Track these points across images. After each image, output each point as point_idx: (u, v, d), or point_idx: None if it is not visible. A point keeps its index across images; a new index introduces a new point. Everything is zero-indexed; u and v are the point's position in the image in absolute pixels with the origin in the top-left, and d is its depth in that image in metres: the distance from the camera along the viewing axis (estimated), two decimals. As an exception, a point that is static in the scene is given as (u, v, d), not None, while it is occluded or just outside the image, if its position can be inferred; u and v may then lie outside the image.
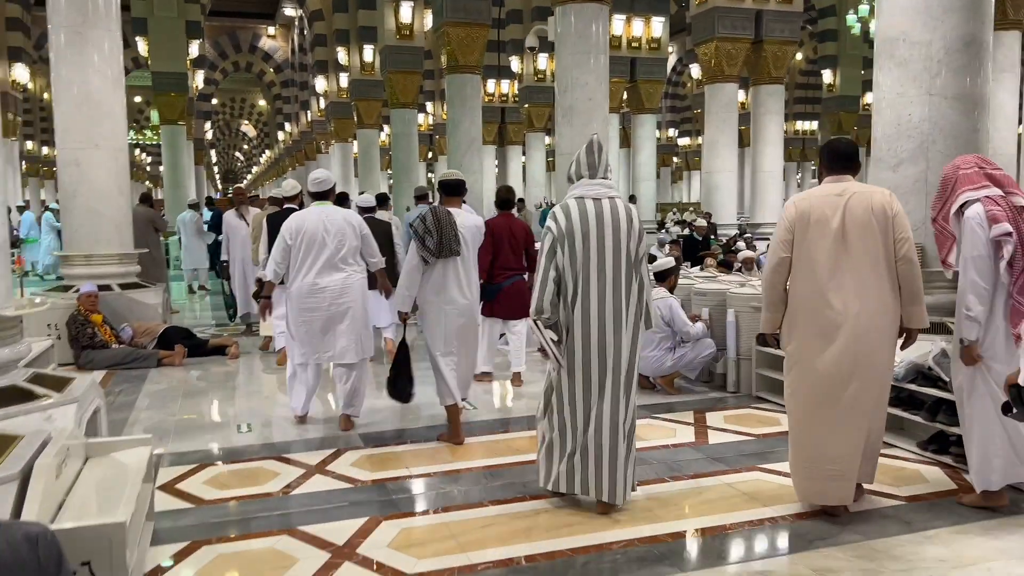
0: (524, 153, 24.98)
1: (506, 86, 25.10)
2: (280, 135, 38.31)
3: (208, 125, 33.22)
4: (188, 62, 20.49)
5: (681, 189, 39.25)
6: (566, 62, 9.90)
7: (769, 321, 3.72)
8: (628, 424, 3.60)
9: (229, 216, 8.97)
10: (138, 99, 35.42)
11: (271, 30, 32.85)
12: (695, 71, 24.22)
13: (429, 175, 33.94)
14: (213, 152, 49.20)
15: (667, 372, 5.91)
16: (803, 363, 3.61)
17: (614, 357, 3.52)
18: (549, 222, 3.58)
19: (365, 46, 20.64)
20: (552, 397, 3.65)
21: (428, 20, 17.82)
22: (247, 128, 48.90)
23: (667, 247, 13.62)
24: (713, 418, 5.32)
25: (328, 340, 5.02)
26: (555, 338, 3.51)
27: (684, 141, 38.25)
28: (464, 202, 5.09)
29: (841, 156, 3.67)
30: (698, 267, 10.07)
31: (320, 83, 25.34)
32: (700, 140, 37.46)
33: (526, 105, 22.77)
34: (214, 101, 41.19)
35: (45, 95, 34.69)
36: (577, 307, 3.50)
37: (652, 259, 11.56)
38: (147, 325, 7.80)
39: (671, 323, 5.86)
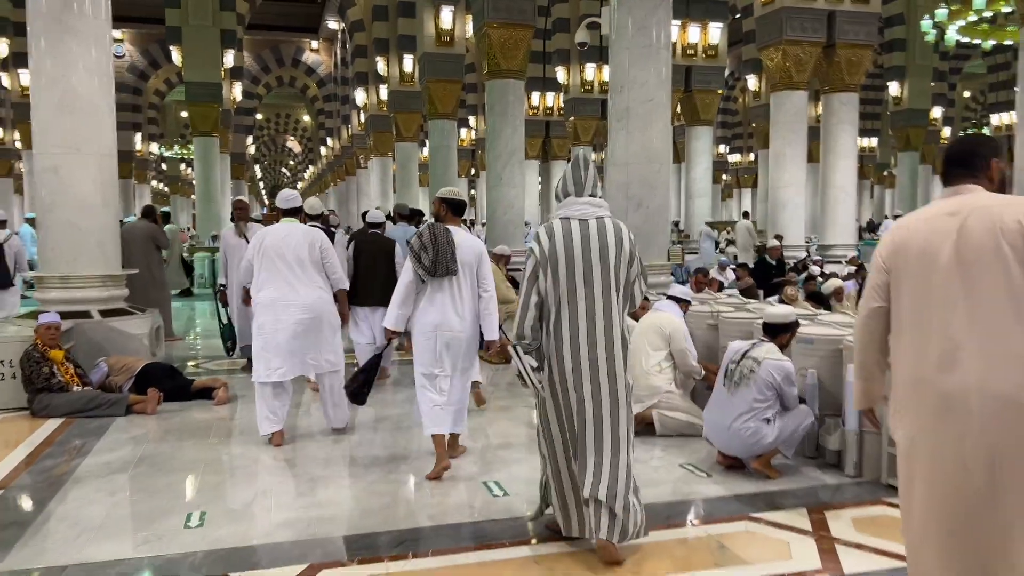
0: (569, 168, 23.50)
1: (551, 98, 23.71)
2: (323, 150, 37.45)
3: (250, 140, 32.35)
4: (223, 72, 19.53)
5: (731, 207, 37.38)
6: (621, 59, 8.43)
7: (865, 394, 2.56)
8: (624, 457, 3.28)
9: (227, 235, 7.61)
10: (184, 114, 34.93)
11: (314, 44, 32.00)
12: (751, 82, 22.57)
13: (471, 191, 32.71)
14: (257, 167, 48.73)
15: (767, 450, 4.37)
16: (913, 458, 2.25)
17: (608, 385, 3.25)
18: (532, 244, 3.35)
19: (404, 55, 19.46)
20: (540, 438, 3.46)
21: (469, 27, 16.58)
22: (292, 144, 48.32)
23: (727, 270, 12.06)
24: (838, 522, 3.75)
25: (286, 355, 5.00)
26: (534, 365, 3.30)
27: (735, 158, 36.46)
28: (468, 223, 3.94)
29: (955, 159, 2.37)
30: (774, 297, 8.46)
31: (360, 96, 24.26)
32: (752, 156, 35.98)
33: (572, 118, 21.33)
34: (259, 116, 40.66)
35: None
36: (562, 333, 3.26)
37: (721, 287, 10.07)
38: (125, 360, 6.50)
39: (781, 392, 4.35)
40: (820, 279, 9.72)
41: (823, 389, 4.70)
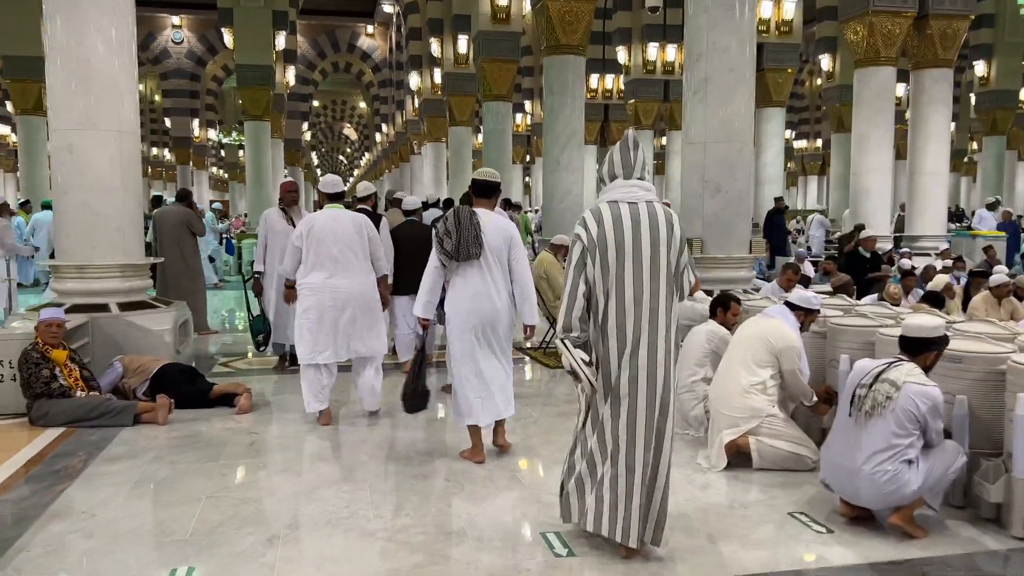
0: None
1: (610, 81, 22.56)
2: (378, 136, 36.87)
3: (305, 126, 31.90)
4: (275, 55, 18.90)
5: (795, 195, 35.62)
6: (699, 21, 7.35)
7: None
8: (665, 459, 3.08)
9: (273, 219, 6.67)
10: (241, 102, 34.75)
11: (369, 28, 31.30)
12: (825, 63, 21.05)
13: (526, 179, 31.72)
14: (314, 155, 48.56)
15: (909, 500, 3.34)
16: None
17: (649, 381, 3.03)
18: (578, 229, 3.08)
19: (459, 36, 18.55)
20: (583, 425, 3.19)
21: (526, 3, 15.59)
22: (349, 131, 47.99)
23: (805, 262, 10.87)
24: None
25: (332, 339, 5.00)
26: (586, 358, 3.05)
27: (800, 143, 34.67)
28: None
29: None
30: (871, 297, 7.32)
31: (414, 79, 23.45)
32: (818, 143, 34.18)
33: (632, 100, 20.19)
34: (315, 103, 40.32)
35: (141, 87, 34.58)
36: (609, 325, 3.04)
37: (806, 281, 8.94)
38: (142, 360, 5.76)
39: (926, 426, 3.32)
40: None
41: (975, 421, 3.65)
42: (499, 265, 4.27)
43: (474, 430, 4.35)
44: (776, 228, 13.62)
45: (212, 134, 32.85)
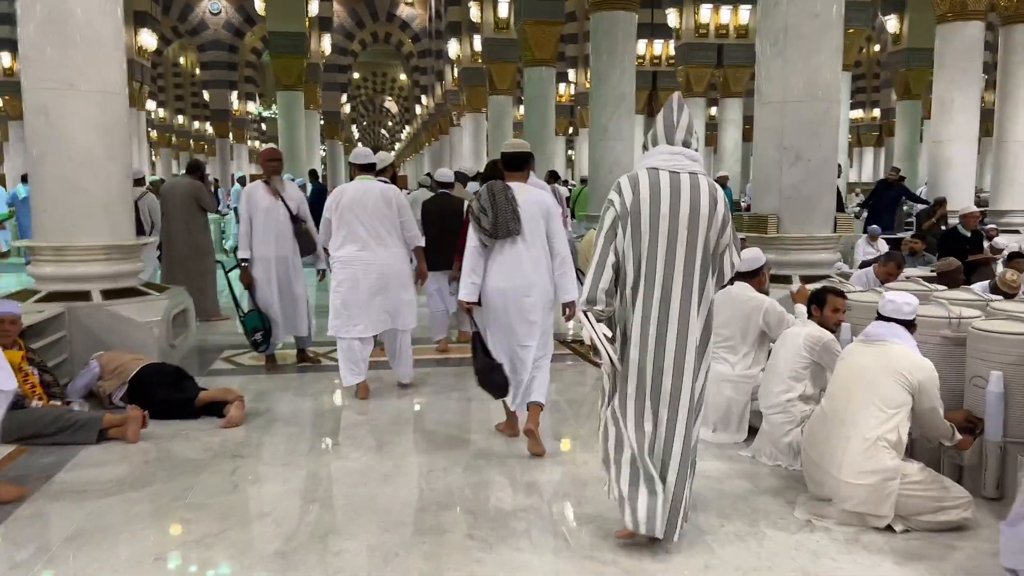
0: (678, 124, 20.93)
1: (659, 47, 21.11)
2: (418, 109, 35.81)
3: (344, 98, 30.97)
4: (307, 21, 17.92)
5: (846, 167, 33.62)
6: (781, -40, 6.13)
7: None
8: (687, 449, 2.85)
9: (255, 193, 5.63)
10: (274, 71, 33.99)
11: (409, -3, 30.14)
12: (891, 24, 19.31)
13: (568, 152, 30.38)
14: (354, 128, 47.73)
15: None
16: None
17: (675, 368, 2.80)
18: (611, 195, 2.83)
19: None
20: (605, 409, 2.95)
21: (572, -39, 14.33)
22: (390, 104, 47.00)
23: (878, 240, 9.59)
24: None
25: (363, 313, 4.93)
26: (608, 334, 2.79)
27: (856, 113, 32.64)
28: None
29: None
30: (981, 284, 6.05)
31: (453, 47, 22.27)
32: (875, 112, 32.18)
33: (683, 66, 18.78)
34: (355, 75, 39.38)
35: (181, 59, 33.90)
36: (637, 301, 2.82)
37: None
38: (121, 359, 4.85)
39: None
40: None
41: None
42: (538, 239, 4.05)
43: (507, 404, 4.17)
44: (886, 205, 11.67)
45: (252, 107, 32.13)
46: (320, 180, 15.36)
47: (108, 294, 5.43)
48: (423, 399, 5.12)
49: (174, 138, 34.46)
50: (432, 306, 6.40)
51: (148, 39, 20.36)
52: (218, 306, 7.83)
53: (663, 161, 2.81)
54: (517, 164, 4.20)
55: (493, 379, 4.01)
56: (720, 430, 4.25)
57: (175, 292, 6.02)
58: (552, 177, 13.59)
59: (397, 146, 50.29)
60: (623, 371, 2.83)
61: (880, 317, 3.36)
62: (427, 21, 29.79)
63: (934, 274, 6.03)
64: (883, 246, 10.05)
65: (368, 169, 5.14)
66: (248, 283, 5.56)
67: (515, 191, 4.03)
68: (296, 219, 5.59)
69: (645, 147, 2.93)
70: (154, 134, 31.97)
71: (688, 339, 2.79)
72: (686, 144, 2.84)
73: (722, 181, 12.42)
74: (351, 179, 5.26)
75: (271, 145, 5.51)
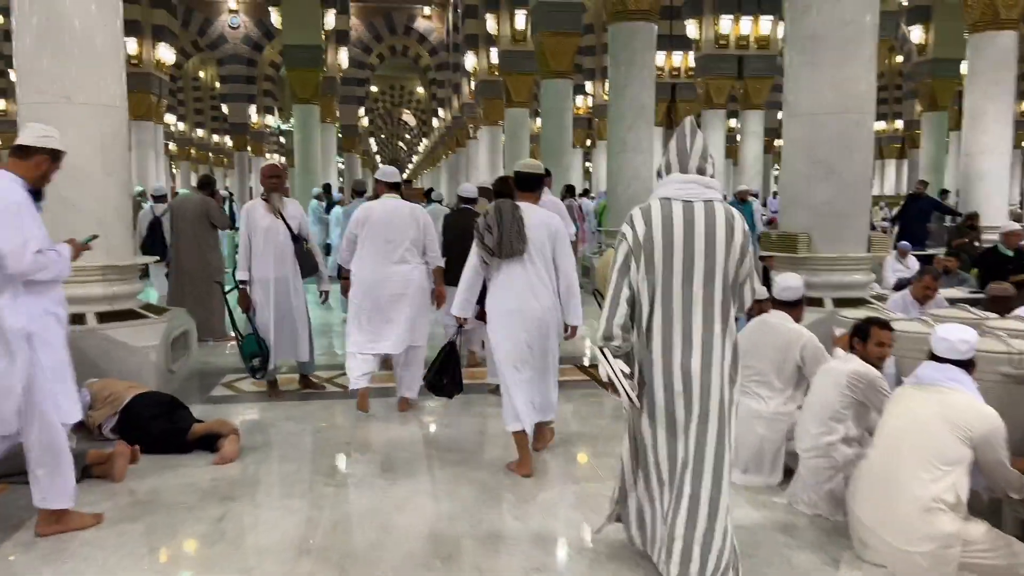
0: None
1: (678, 58, 20.77)
2: (435, 122, 35.66)
3: (362, 111, 30.87)
4: (323, 34, 17.77)
5: (871, 180, 33.05)
6: (810, -36, 5.79)
7: None
8: (714, 492, 2.61)
9: (254, 212, 5.25)
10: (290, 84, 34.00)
11: (426, 10, 30.01)
12: (916, 35, 18.86)
13: (586, 164, 30.05)
14: (372, 141, 47.70)
15: None
16: None
17: (701, 402, 2.63)
18: (624, 228, 2.74)
19: (516, 11, 17.12)
20: (632, 443, 2.84)
21: (590, -29, 14.05)
22: (407, 117, 46.97)
23: (908, 257, 9.15)
24: None
25: (384, 330, 4.94)
26: (626, 370, 2.68)
27: (879, 125, 32.10)
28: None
29: None
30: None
31: (470, 60, 22.05)
32: (897, 124, 31.61)
33: (702, 78, 18.43)
34: (374, 88, 39.35)
35: (201, 73, 33.95)
36: (655, 337, 2.67)
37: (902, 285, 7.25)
38: (114, 387, 4.56)
39: None
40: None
41: None
42: (543, 261, 3.98)
43: (520, 439, 4.00)
44: (914, 218, 11.34)
45: (270, 120, 32.10)
46: (338, 193, 15.12)
47: (104, 317, 5.16)
48: (432, 429, 4.80)
49: (193, 151, 34.52)
50: (448, 322, 6.07)
51: (166, 53, 20.30)
52: (223, 326, 7.53)
53: (676, 190, 2.69)
54: (529, 184, 4.15)
55: (445, 389, 4.38)
56: (752, 472, 3.89)
57: (175, 314, 5.74)
58: (568, 191, 13.29)
59: (415, 159, 50.24)
60: (648, 409, 2.70)
61: (932, 356, 2.99)
62: (444, 34, 29.69)
63: (973, 295, 5.64)
64: (913, 263, 9.62)
65: (395, 188, 5.11)
66: (246, 306, 5.26)
67: (524, 211, 3.97)
68: (297, 238, 5.30)
69: (659, 174, 2.81)
70: (173, 147, 32.10)
71: (712, 375, 2.64)
72: (700, 171, 2.72)
73: (743, 196, 12.02)
74: (376, 196, 5.29)
75: (271, 161, 5.22)
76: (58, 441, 3.15)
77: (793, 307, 4.01)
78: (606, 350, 2.70)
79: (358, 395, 4.99)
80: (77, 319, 5.07)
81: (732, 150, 21.95)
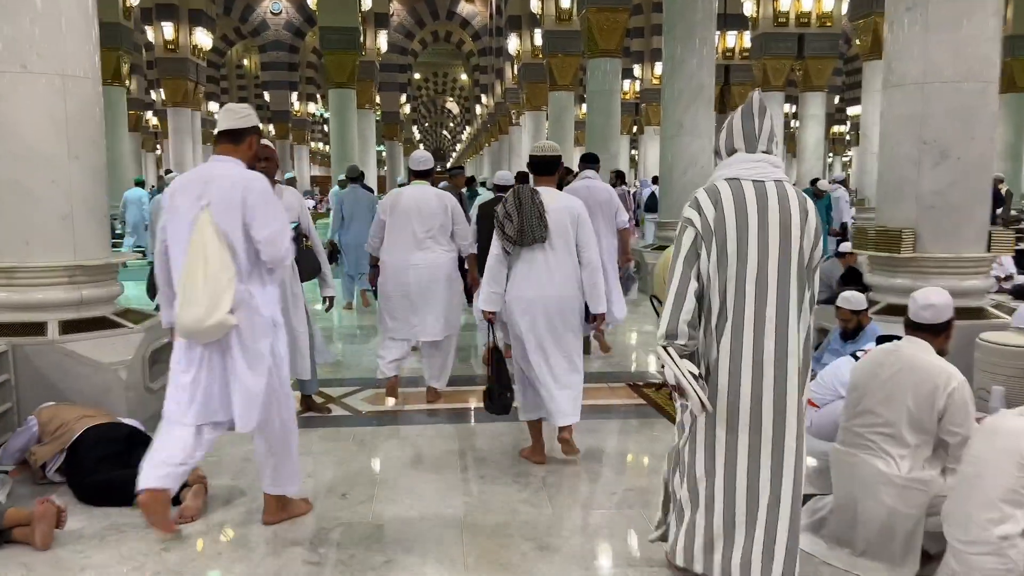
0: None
1: (732, 39, 19.39)
2: (478, 109, 34.68)
3: (404, 98, 30.04)
4: (360, 16, 16.89)
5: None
6: None
7: None
8: (792, 494, 2.39)
9: None
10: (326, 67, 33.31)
11: (470, -6, 29.02)
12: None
13: (632, 152, 28.75)
14: (415, 129, 46.92)
15: None
16: None
17: (775, 402, 2.36)
18: (689, 212, 2.42)
19: (563, -11, 16.01)
20: (685, 448, 2.53)
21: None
22: (451, 105, 46.07)
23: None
24: None
25: (415, 317, 4.81)
26: (695, 372, 2.36)
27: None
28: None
29: None
30: None
31: (513, 43, 21.00)
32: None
33: (759, 59, 17.08)
34: (417, 76, 38.54)
35: (246, 61, 33.48)
36: (725, 332, 2.38)
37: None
38: (66, 416, 3.67)
39: None
40: None
41: None
42: (565, 248, 3.80)
43: (534, 428, 3.91)
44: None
45: (312, 108, 31.49)
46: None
47: (69, 326, 4.29)
48: (452, 469, 3.83)
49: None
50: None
51: (203, 38, 19.71)
52: None
53: (745, 170, 2.42)
54: (546, 168, 3.94)
55: (501, 402, 3.92)
56: (873, 555, 2.83)
57: (158, 322, 4.85)
58: (617, 178, 12.20)
59: (458, 147, 49.38)
60: (713, 413, 2.41)
61: None
62: (488, 18, 28.65)
63: None
64: (1008, 263, 8.39)
65: (426, 175, 4.99)
66: None
67: (543, 196, 3.77)
68: (299, 233, 4.36)
69: (718, 154, 2.54)
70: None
71: (789, 373, 2.36)
72: (767, 151, 2.46)
73: (817, 191, 10.78)
74: (408, 182, 5.10)
75: (264, 141, 4.40)
76: (292, 424, 3.15)
77: (936, 333, 2.92)
78: (671, 349, 2.40)
79: (387, 384, 4.92)
80: (35, 329, 4.24)
81: (789, 135, 20.51)
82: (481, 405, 4.09)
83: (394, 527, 3.19)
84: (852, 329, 4.51)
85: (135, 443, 3.57)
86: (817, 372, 4.66)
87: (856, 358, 3.59)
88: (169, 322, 3.07)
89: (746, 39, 18.62)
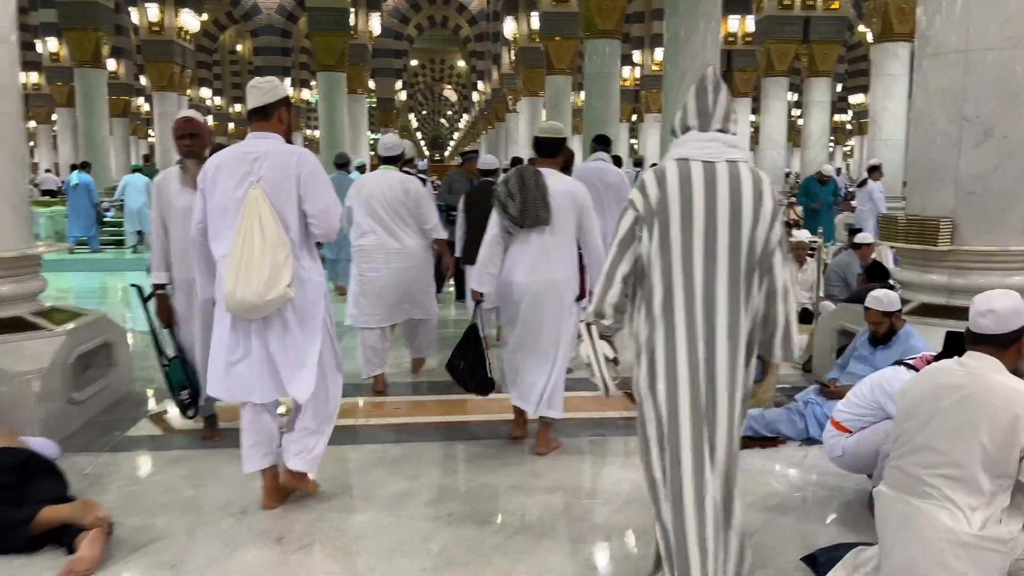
0: (759, 107, 18.56)
1: (735, 23, 18.66)
2: (475, 96, 33.91)
3: (399, 84, 29.28)
4: (349, -4, 16.19)
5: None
6: None
7: None
8: (722, 497, 2.15)
9: (166, 185, 3.67)
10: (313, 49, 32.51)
11: (466, -23, 28.21)
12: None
13: (632, 140, 28.05)
14: (412, 116, 46.12)
15: None
16: None
17: (708, 396, 2.16)
18: (634, 193, 2.27)
19: (560, -31, 15.29)
20: (640, 447, 2.31)
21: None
22: (449, 92, 45.27)
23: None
24: None
25: (383, 302, 4.74)
26: (610, 355, 2.32)
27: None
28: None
29: None
30: None
31: (509, 26, 20.26)
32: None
33: (763, 44, 16.38)
34: (414, 62, 37.80)
35: (239, 46, 32.66)
36: (675, 322, 2.19)
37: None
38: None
39: None
40: None
41: None
42: (566, 232, 3.64)
43: (517, 408, 3.82)
44: None
45: (306, 95, 30.75)
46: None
47: (-24, 329, 3.68)
48: (415, 502, 3.21)
49: (232, 126, 33.41)
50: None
51: (190, 20, 18.97)
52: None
53: (695, 149, 2.22)
54: (550, 150, 3.81)
55: (475, 378, 3.85)
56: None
57: (92, 321, 4.23)
58: (616, 163, 11.55)
59: (456, 135, 48.61)
60: (653, 407, 2.22)
61: None
62: (484, 2, 27.86)
63: None
64: (888, 254, 7.79)
65: (392, 161, 4.91)
66: (167, 318, 3.70)
67: (547, 178, 3.64)
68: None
69: (673, 133, 2.34)
70: (210, 122, 31.04)
71: (736, 369, 2.17)
72: (723, 129, 2.26)
73: (821, 178, 10.15)
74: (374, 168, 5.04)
75: (186, 113, 3.66)
76: (338, 399, 3.20)
77: (1004, 346, 2.29)
78: (593, 328, 2.33)
79: (374, 380, 4.81)
80: (-63, 332, 3.61)
81: (793, 125, 19.84)
82: (453, 419, 3.57)
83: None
84: (884, 333, 3.88)
85: (33, 473, 2.95)
86: (839, 380, 4.04)
87: (908, 367, 2.97)
88: (208, 296, 3.12)
89: (749, 23, 17.91)
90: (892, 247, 5.43)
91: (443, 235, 4.96)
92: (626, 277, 2.26)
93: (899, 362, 3.09)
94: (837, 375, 4.09)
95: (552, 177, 3.66)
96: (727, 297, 2.17)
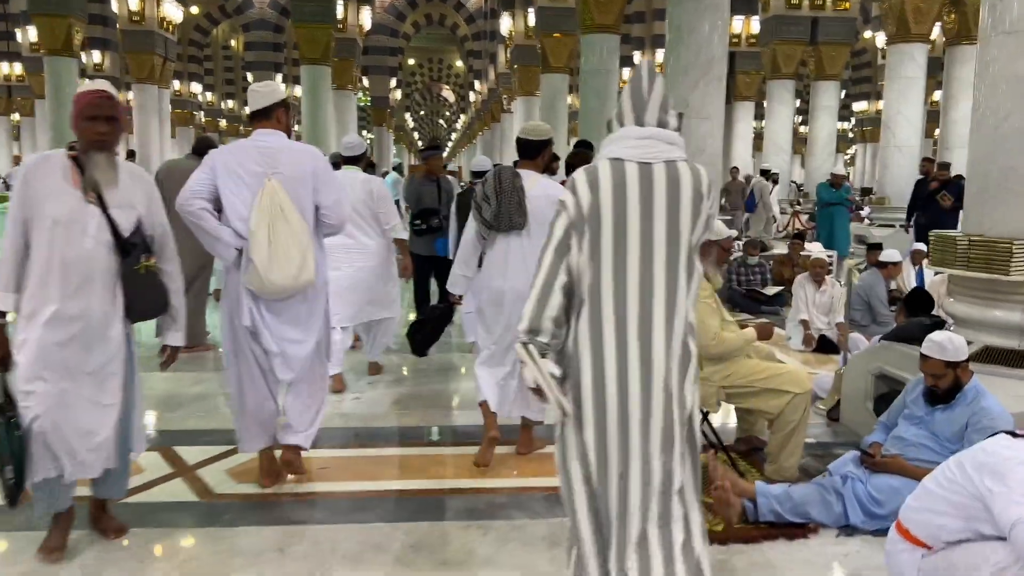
0: (762, 111, 17.70)
1: (739, 24, 17.77)
2: (472, 96, 33.03)
3: (394, 82, 28.38)
4: (335, -15, 15.29)
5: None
6: None
7: None
8: (665, 510, 2.01)
9: (39, 177, 2.60)
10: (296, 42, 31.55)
11: (464, -26, 27.33)
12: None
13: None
14: (408, 116, 45.15)
15: None
16: None
17: (642, 405, 2.00)
18: (565, 196, 2.10)
19: (558, -38, 14.42)
20: (560, 464, 2.13)
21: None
22: (447, 93, 44.36)
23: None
24: None
25: (343, 302, 4.60)
26: (556, 372, 2.06)
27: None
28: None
29: None
30: None
31: (505, 23, 19.38)
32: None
33: (768, 45, 15.52)
34: (411, 61, 36.93)
35: (232, 42, 31.71)
36: (602, 333, 2.02)
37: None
38: None
39: None
40: None
41: None
42: (542, 236, 2.73)
43: (485, 407, 3.63)
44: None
45: (298, 91, 29.82)
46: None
47: None
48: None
49: (223, 123, 32.48)
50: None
51: (172, 10, 18.10)
52: (205, 331, 5.91)
53: (630, 149, 2.04)
54: (531, 151, 3.64)
55: (420, 343, 4.33)
56: None
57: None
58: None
59: (454, 136, 47.70)
60: (576, 415, 2.05)
61: None
62: (482, 1, 26.98)
63: None
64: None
65: (355, 161, 4.94)
66: (4, 359, 2.71)
67: (525, 180, 3.54)
68: (128, 245, 2.72)
69: (609, 127, 2.14)
70: (202, 119, 30.08)
71: (671, 387, 2.00)
72: (661, 124, 2.08)
73: (834, 181, 9.22)
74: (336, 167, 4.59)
75: (99, 85, 2.66)
76: (327, 377, 3.50)
77: None
78: (531, 347, 2.04)
79: (332, 379, 4.39)
80: None
81: (798, 130, 18.97)
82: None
83: None
84: (946, 389, 2.98)
85: None
86: (882, 443, 3.15)
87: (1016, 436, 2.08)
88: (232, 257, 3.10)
89: (754, 24, 17.04)
90: (937, 272, 4.53)
91: (404, 235, 5.08)
92: (564, 287, 2.06)
93: (1013, 433, 2.19)
94: (881, 438, 3.18)
95: (530, 179, 3.56)
96: (664, 319, 2.00)
